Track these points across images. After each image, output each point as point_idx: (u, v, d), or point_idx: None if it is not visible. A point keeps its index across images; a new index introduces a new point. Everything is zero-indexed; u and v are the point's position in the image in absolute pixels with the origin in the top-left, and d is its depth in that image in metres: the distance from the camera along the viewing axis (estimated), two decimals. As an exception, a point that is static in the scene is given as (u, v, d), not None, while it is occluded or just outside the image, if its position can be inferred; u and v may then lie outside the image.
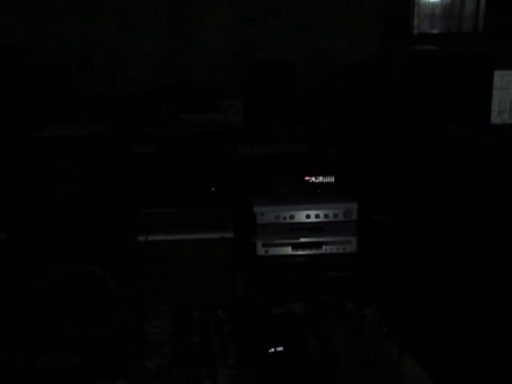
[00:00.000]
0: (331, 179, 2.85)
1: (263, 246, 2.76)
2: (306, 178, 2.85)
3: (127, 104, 2.99)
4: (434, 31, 3.40)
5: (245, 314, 2.41)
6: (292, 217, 2.76)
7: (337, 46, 3.30)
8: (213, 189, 2.87)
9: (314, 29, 3.27)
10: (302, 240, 2.79)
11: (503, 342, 2.07)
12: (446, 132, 2.39)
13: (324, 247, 2.80)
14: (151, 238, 2.61)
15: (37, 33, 3.07)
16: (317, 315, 2.60)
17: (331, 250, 2.80)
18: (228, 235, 2.69)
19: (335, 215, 2.77)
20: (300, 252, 2.80)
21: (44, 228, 2.16)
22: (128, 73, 3.21)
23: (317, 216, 2.77)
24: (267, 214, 2.74)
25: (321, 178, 2.85)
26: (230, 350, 2.15)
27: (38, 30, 3.07)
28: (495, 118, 2.22)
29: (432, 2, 3.37)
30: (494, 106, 2.21)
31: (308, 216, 2.76)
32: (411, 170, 2.68)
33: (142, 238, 2.59)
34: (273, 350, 2.15)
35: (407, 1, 3.29)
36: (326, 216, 2.77)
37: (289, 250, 2.79)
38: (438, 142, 2.46)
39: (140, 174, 2.77)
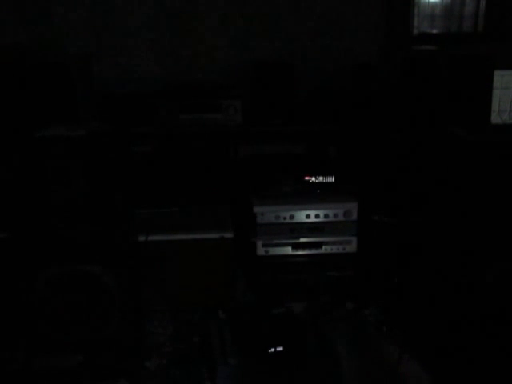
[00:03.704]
0: (331, 179, 2.85)
1: (263, 246, 2.76)
2: (306, 178, 2.84)
3: (127, 104, 2.99)
4: (434, 31, 3.40)
5: (245, 314, 2.41)
6: (292, 217, 2.76)
7: (337, 46, 3.30)
8: (213, 189, 2.87)
9: (314, 29, 3.27)
10: (302, 240, 2.79)
11: (503, 342, 2.07)
12: (446, 132, 2.39)
13: (324, 247, 2.80)
14: (151, 238, 2.61)
15: (37, 33, 3.07)
16: (317, 315, 2.60)
17: (331, 250, 2.80)
18: (228, 235, 2.68)
19: (335, 215, 2.77)
20: (300, 252, 2.80)
21: (44, 228, 2.16)
22: (128, 73, 3.21)
23: (317, 216, 2.76)
24: (267, 214, 2.74)
25: (321, 178, 2.85)
26: (230, 350, 2.15)
27: (38, 31, 3.08)
28: (495, 118, 2.22)
29: (432, 2, 3.37)
30: (494, 106, 2.21)
31: (308, 216, 2.76)
32: (411, 169, 2.68)
33: (142, 238, 2.59)
34: (273, 350, 2.15)
35: (407, 1, 3.30)
36: (326, 216, 2.77)
37: (289, 250, 2.79)
38: (438, 141, 2.46)
39: (140, 174, 2.77)
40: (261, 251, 2.76)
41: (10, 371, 2.16)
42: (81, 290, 2.13)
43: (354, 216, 2.77)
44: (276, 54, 3.26)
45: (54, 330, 2.14)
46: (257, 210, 2.73)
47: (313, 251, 2.80)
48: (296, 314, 2.48)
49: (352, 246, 2.80)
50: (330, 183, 2.85)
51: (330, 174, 2.85)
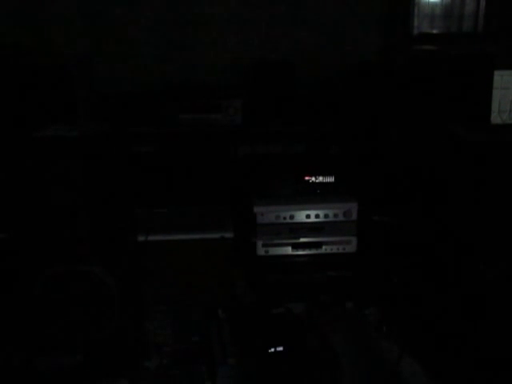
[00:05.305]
0: (331, 179, 2.85)
1: (263, 246, 2.76)
2: (306, 178, 2.84)
3: (127, 104, 2.98)
4: (434, 31, 3.40)
5: (245, 314, 2.41)
6: (292, 217, 2.76)
7: (337, 46, 3.30)
8: (213, 189, 2.87)
9: (314, 29, 3.27)
10: (302, 240, 2.79)
11: (504, 342, 2.07)
12: (446, 132, 2.39)
13: (324, 247, 2.80)
14: (151, 238, 2.61)
15: (37, 33, 3.07)
16: (317, 315, 2.60)
17: (331, 250, 2.80)
18: (228, 235, 2.68)
19: (335, 215, 2.77)
20: (300, 252, 2.80)
21: (44, 228, 2.15)
22: (128, 73, 3.21)
23: (317, 216, 2.76)
24: (267, 213, 2.74)
25: (321, 178, 2.85)
26: (230, 350, 2.15)
27: (38, 30, 3.08)
28: (495, 118, 2.22)
29: (432, 2, 3.37)
30: (494, 106, 2.21)
31: (308, 216, 2.76)
32: (411, 169, 2.68)
33: (141, 238, 2.59)
34: (273, 350, 2.15)
35: (407, 1, 3.29)
36: (325, 216, 2.77)
37: (289, 250, 2.79)
38: (438, 141, 2.46)
39: (140, 174, 2.76)
40: (261, 251, 2.76)
41: (10, 371, 2.16)
42: (81, 290, 2.13)
43: (354, 216, 2.77)
44: (276, 54, 3.26)
45: (54, 330, 2.14)
46: (257, 209, 2.73)
47: (313, 251, 2.80)
48: (296, 313, 2.47)
49: (352, 246, 2.80)
50: (330, 183, 2.85)
51: (329, 174, 2.85)
